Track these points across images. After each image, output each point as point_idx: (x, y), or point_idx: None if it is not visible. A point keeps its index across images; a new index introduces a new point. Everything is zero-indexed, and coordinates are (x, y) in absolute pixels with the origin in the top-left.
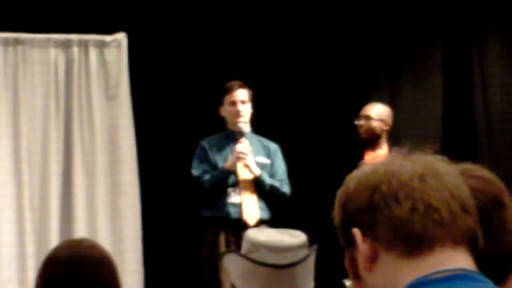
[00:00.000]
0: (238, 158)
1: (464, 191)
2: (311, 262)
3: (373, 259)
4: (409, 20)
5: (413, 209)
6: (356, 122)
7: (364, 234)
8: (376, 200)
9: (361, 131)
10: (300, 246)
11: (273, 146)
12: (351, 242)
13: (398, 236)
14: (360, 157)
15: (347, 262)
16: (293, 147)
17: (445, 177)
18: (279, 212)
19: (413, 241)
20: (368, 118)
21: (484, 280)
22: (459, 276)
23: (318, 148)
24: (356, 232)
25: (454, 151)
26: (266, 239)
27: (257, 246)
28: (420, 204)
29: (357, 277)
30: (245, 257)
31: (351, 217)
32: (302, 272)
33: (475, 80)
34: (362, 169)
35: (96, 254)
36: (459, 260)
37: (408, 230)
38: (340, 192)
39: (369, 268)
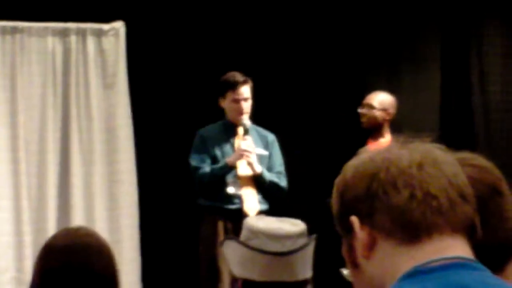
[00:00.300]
0: (242, 156)
1: (462, 179)
2: (310, 251)
3: (371, 247)
4: (408, 14)
5: (412, 196)
6: (359, 110)
7: (362, 222)
8: (374, 188)
9: (363, 120)
10: (299, 235)
11: (271, 137)
12: (349, 230)
13: (397, 224)
14: (362, 146)
15: (344, 250)
16: (291, 138)
17: (444, 165)
18: (277, 203)
19: (411, 229)
20: (370, 107)
21: (482, 268)
22: (457, 264)
23: (316, 138)
24: (354, 220)
25: (452, 141)
26: (265, 226)
27: (256, 233)
28: (418, 191)
29: (354, 265)
30: (244, 244)
31: (349, 205)
32: (301, 261)
33: (473, 71)
34: (360, 157)
35: (93, 242)
36: (457, 248)
37: (407, 218)
38: (338, 180)
39: (367, 256)
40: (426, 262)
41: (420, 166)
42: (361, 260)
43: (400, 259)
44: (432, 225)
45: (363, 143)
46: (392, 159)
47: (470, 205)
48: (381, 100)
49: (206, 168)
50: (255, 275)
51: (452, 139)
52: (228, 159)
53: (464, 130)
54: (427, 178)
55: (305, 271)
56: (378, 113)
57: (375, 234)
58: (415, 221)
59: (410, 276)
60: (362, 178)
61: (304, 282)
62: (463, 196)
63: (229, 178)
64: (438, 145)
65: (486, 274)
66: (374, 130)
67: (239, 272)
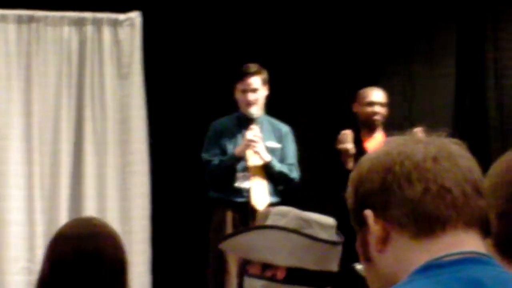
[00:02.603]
0: (248, 146)
1: (478, 174)
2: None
3: (384, 240)
4: (423, 6)
5: (426, 190)
6: (370, 109)
7: (376, 215)
8: (389, 181)
9: (377, 118)
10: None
11: (285, 129)
12: (363, 223)
13: (410, 217)
14: (359, 142)
15: (358, 244)
16: (306, 130)
17: (459, 159)
18: (289, 196)
19: (425, 222)
20: (381, 104)
21: (495, 264)
22: (471, 259)
23: (331, 131)
24: (368, 213)
25: (466, 135)
26: (317, 216)
27: (309, 222)
28: (433, 185)
29: (368, 259)
30: (300, 233)
31: (364, 199)
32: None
33: (488, 64)
34: (376, 151)
35: (103, 232)
36: (471, 243)
37: (420, 211)
38: (353, 174)
39: (380, 250)
40: (440, 256)
41: (435, 159)
42: (374, 254)
43: (414, 253)
44: (446, 218)
45: (360, 141)
46: (407, 153)
47: (485, 199)
48: (384, 96)
49: (216, 160)
50: (309, 264)
51: (466, 132)
52: (236, 149)
53: (479, 124)
54: (441, 171)
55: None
56: (385, 109)
57: (389, 228)
58: (429, 214)
59: (424, 270)
60: (377, 171)
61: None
62: (477, 191)
63: (239, 172)
64: (454, 140)
65: (499, 269)
66: (373, 126)
67: (284, 261)
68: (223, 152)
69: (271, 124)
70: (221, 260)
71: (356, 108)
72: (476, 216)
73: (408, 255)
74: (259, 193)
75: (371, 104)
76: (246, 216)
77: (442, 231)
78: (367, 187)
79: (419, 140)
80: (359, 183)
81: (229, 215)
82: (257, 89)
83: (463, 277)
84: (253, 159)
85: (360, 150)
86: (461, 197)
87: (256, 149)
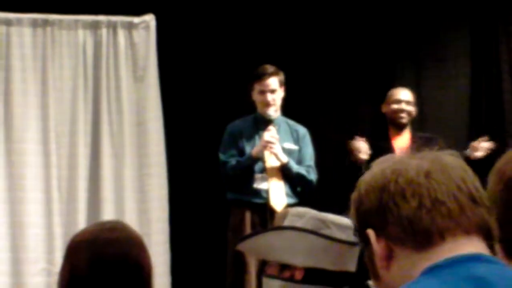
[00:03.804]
0: (265, 147)
1: (473, 183)
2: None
3: (388, 258)
4: (437, 5)
5: (420, 205)
6: (397, 107)
7: (378, 234)
8: (385, 200)
9: (402, 115)
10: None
11: (302, 131)
12: (368, 242)
13: (408, 233)
14: (387, 140)
15: (367, 262)
16: (322, 132)
17: (452, 170)
18: (307, 197)
19: (423, 236)
20: (408, 103)
21: (498, 262)
22: (473, 257)
23: (346, 132)
24: (370, 233)
25: (482, 134)
26: (334, 217)
27: (326, 223)
28: (426, 199)
29: (376, 277)
30: (318, 233)
31: (365, 219)
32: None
33: (503, 66)
34: (372, 171)
35: (125, 235)
36: (472, 246)
37: (417, 226)
38: (353, 196)
39: (386, 267)
40: (441, 261)
41: (427, 174)
42: (381, 271)
43: (416, 264)
44: (444, 229)
45: (387, 139)
46: (400, 170)
47: (483, 208)
48: (411, 95)
49: (233, 161)
50: (326, 264)
51: (481, 131)
52: (253, 150)
53: (494, 122)
54: (434, 185)
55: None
56: (413, 108)
57: (391, 245)
58: (425, 228)
59: (427, 273)
60: (374, 191)
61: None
62: (473, 200)
63: (257, 173)
64: (449, 151)
65: (502, 267)
66: (402, 125)
67: (302, 261)
68: (241, 153)
69: (288, 126)
70: (239, 261)
71: (384, 108)
72: (474, 224)
73: (411, 267)
74: (277, 194)
75: (398, 102)
76: (265, 217)
77: (441, 240)
78: (366, 208)
79: (413, 156)
80: (359, 204)
81: (247, 216)
82: (275, 90)
83: (466, 274)
84: (271, 160)
85: (389, 149)
86: (456, 208)
87: (273, 150)
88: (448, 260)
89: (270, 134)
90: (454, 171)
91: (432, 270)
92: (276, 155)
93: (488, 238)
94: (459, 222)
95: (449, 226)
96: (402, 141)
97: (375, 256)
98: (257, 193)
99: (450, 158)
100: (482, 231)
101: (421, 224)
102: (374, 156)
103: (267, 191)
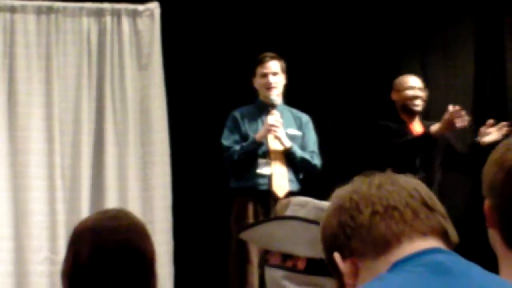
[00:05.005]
0: (269, 130)
1: (426, 192)
2: None
3: (355, 274)
4: None
5: (373, 213)
6: (412, 93)
7: (343, 254)
8: (343, 218)
9: (417, 102)
10: None
11: (305, 118)
12: (337, 268)
13: (367, 242)
14: (405, 129)
15: None
16: (325, 119)
17: (403, 182)
18: (309, 184)
19: (380, 242)
20: (421, 89)
21: (457, 255)
22: (432, 250)
23: (350, 122)
24: (336, 255)
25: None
26: None
27: None
28: (379, 207)
29: None
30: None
31: (330, 244)
32: None
33: (508, 55)
34: (331, 200)
35: (129, 223)
36: (428, 244)
37: (374, 234)
38: (320, 228)
39: (353, 284)
40: (401, 257)
41: (379, 186)
42: None
43: (378, 268)
44: (399, 233)
45: (405, 127)
46: (354, 189)
47: (437, 213)
48: (421, 82)
49: (237, 146)
50: None
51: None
52: (257, 135)
53: (498, 114)
54: (386, 194)
55: None
56: (425, 94)
57: (355, 260)
58: (381, 234)
59: (388, 271)
60: (333, 214)
61: None
62: (426, 205)
63: (261, 159)
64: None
65: (460, 258)
66: (413, 112)
67: (304, 251)
68: (243, 139)
69: (291, 113)
70: (242, 250)
71: (395, 95)
72: (430, 227)
73: (374, 273)
74: (280, 180)
75: (411, 88)
76: (268, 204)
77: (398, 243)
78: (329, 232)
79: (365, 177)
80: (323, 232)
81: (250, 204)
82: (277, 72)
83: (427, 262)
84: (274, 145)
85: (406, 133)
86: (409, 213)
87: (277, 133)
88: (407, 256)
89: (274, 118)
90: (406, 182)
91: (392, 268)
92: (279, 139)
93: (445, 241)
94: (414, 226)
95: (404, 230)
96: (416, 129)
97: (345, 279)
98: (260, 179)
99: (402, 176)
100: (438, 234)
101: (377, 231)
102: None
103: (269, 176)
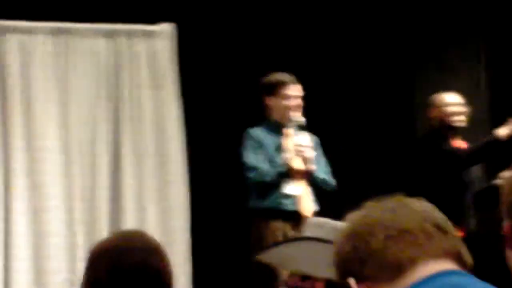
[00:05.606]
0: (299, 151)
1: (438, 214)
2: None
3: None
4: (454, 10)
5: (387, 237)
6: (456, 109)
7: (358, 280)
8: (356, 244)
9: (461, 118)
10: None
11: (316, 139)
12: None
13: (382, 266)
14: (447, 146)
15: None
16: (339, 138)
17: (416, 205)
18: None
19: (394, 266)
20: (463, 105)
21: (472, 276)
22: (447, 272)
23: (366, 138)
24: (350, 281)
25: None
26: None
27: None
28: (392, 231)
29: None
30: None
31: (344, 270)
32: None
33: None
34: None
35: (146, 244)
36: (443, 266)
37: (388, 258)
38: (333, 254)
39: None
40: (415, 280)
41: (392, 210)
42: None
43: None
44: (413, 256)
45: (447, 143)
46: (366, 214)
47: (451, 235)
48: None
49: (265, 167)
50: None
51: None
52: (285, 157)
53: None
54: (399, 217)
55: None
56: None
57: (370, 285)
58: (395, 258)
59: None
60: (346, 240)
61: None
62: (439, 227)
63: (286, 179)
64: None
65: (476, 279)
66: (456, 128)
67: (323, 273)
68: (267, 158)
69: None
70: (269, 271)
71: (435, 112)
72: (443, 250)
73: None
74: (307, 201)
75: (454, 104)
76: (297, 224)
77: (412, 267)
78: (343, 258)
79: (377, 203)
80: (337, 257)
81: (276, 225)
82: (300, 96)
83: (443, 284)
84: (297, 164)
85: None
86: (423, 235)
87: (307, 155)
88: (421, 278)
89: (304, 138)
90: (418, 206)
91: None
92: (309, 160)
93: (459, 263)
94: (427, 249)
95: (418, 253)
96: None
97: None
98: (285, 200)
99: (414, 200)
100: (453, 256)
101: (391, 255)
102: (440, 160)
103: (297, 197)
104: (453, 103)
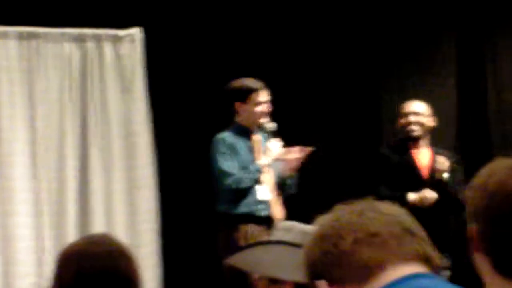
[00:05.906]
0: (275, 158)
1: (407, 218)
2: None
3: None
4: (423, 20)
5: (355, 240)
6: (404, 120)
7: (328, 284)
8: (325, 246)
9: (412, 127)
10: None
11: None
12: None
13: (350, 270)
14: (404, 153)
15: None
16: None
17: (384, 209)
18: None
19: (363, 269)
20: (417, 114)
21: (441, 278)
22: (414, 275)
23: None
24: (321, 283)
25: (469, 147)
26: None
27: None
28: (360, 234)
29: None
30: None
31: (313, 272)
32: None
33: (488, 76)
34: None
35: (114, 249)
36: (412, 269)
37: (356, 261)
38: (301, 259)
39: None
40: (383, 284)
41: (360, 213)
42: None
43: None
44: (382, 259)
45: (405, 152)
46: (335, 217)
47: (419, 238)
48: (425, 107)
49: (240, 173)
50: None
51: (469, 150)
52: (260, 162)
53: (481, 140)
54: (367, 221)
55: None
56: (426, 119)
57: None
58: (364, 261)
59: None
60: (315, 243)
61: None
62: (408, 230)
63: (257, 186)
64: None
65: (444, 282)
66: (418, 138)
67: (291, 276)
68: (241, 164)
69: (265, 138)
70: (240, 275)
71: (398, 122)
72: (412, 253)
73: None
74: (277, 205)
75: (406, 114)
76: (270, 228)
77: (381, 270)
78: (312, 260)
79: (347, 206)
80: (306, 259)
81: (251, 229)
82: (269, 100)
83: (411, 287)
84: (270, 172)
85: (410, 163)
86: (391, 239)
87: (295, 156)
88: (390, 281)
89: (278, 145)
90: (386, 209)
91: None
92: (295, 161)
93: (429, 266)
94: (396, 252)
95: (387, 256)
96: (422, 157)
97: None
98: (260, 205)
99: (383, 203)
100: (421, 259)
101: (360, 258)
102: (396, 171)
103: (268, 202)
104: (406, 112)
